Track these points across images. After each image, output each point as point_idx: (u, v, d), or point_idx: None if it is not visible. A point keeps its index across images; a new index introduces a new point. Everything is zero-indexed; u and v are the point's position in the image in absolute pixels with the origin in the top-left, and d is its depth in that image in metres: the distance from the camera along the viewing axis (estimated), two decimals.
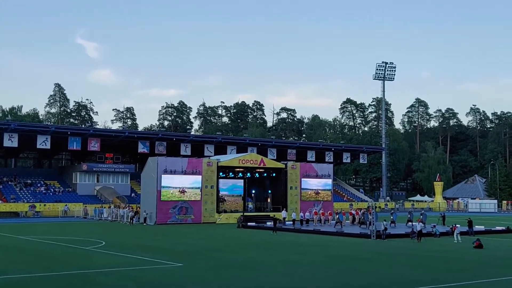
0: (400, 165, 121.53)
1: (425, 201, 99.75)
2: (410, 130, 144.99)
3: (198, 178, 55.39)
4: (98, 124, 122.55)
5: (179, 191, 54.32)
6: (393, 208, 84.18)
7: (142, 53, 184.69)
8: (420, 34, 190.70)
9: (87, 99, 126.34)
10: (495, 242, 36.44)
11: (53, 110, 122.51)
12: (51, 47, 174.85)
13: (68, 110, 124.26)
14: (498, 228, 45.43)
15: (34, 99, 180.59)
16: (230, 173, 59.52)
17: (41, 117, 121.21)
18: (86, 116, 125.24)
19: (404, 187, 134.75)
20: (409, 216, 49.54)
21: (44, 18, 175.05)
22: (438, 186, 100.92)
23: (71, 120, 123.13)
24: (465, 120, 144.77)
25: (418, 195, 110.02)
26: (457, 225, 38.29)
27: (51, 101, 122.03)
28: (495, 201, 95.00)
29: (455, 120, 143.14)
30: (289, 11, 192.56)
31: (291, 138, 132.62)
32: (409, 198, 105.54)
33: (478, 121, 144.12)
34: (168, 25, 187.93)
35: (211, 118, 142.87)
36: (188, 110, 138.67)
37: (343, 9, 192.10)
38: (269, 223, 47.42)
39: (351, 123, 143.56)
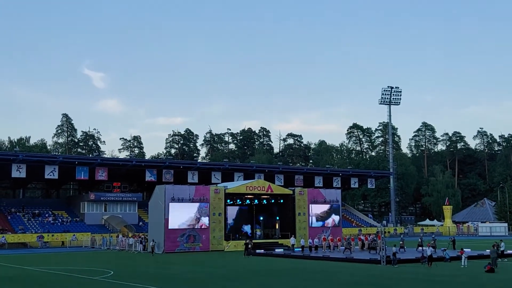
0: (408, 189, 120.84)
1: (435, 226, 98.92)
2: (417, 154, 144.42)
3: (206, 205, 55.29)
4: (105, 154, 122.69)
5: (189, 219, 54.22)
6: (402, 233, 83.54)
7: (148, 82, 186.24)
8: (424, 58, 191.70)
9: (94, 129, 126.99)
10: (507, 265, 36.02)
11: (60, 140, 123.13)
12: (58, 78, 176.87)
13: (76, 140, 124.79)
14: (510, 251, 44.85)
15: (42, 129, 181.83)
16: (238, 200, 59.37)
17: (49, 147, 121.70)
18: (94, 145, 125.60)
19: (413, 211, 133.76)
20: (419, 241, 49.17)
21: (50, 49, 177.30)
22: (447, 210, 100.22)
23: (79, 150, 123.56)
24: (473, 143, 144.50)
25: (428, 219, 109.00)
26: (464, 249, 37.92)
27: (59, 131, 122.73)
28: (506, 224, 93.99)
29: (462, 143, 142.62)
30: (293, 37, 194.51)
31: (298, 164, 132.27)
32: (419, 223, 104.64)
33: (486, 144, 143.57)
34: (173, 53, 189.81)
35: (218, 145, 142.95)
36: (194, 138, 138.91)
37: (348, 34, 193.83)
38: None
39: (358, 148, 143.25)
